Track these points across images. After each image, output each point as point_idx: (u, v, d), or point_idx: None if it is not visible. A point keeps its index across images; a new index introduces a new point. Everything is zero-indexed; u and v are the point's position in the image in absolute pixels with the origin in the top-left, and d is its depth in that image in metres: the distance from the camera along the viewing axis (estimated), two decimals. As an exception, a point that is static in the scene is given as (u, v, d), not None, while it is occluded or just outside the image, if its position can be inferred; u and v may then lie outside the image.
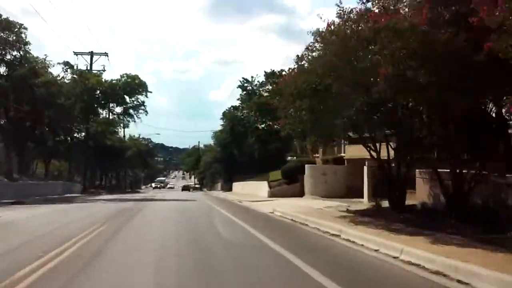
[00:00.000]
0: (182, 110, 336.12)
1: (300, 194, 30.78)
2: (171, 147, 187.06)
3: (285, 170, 35.22)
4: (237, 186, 50.96)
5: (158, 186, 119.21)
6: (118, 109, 57.51)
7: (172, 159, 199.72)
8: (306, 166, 31.72)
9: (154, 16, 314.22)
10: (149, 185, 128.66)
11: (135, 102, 56.42)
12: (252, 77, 60.41)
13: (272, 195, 32.12)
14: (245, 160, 57.07)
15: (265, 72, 57.40)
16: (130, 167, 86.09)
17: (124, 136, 78.39)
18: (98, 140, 56.57)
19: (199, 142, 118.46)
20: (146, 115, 56.83)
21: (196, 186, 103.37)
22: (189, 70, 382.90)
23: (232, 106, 61.91)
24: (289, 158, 57.80)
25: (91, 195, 42.85)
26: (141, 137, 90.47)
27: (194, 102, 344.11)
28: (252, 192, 38.29)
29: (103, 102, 54.68)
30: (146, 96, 56.12)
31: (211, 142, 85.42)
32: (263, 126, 55.30)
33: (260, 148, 54.00)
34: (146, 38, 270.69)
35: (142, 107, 56.60)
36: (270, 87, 52.53)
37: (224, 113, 61.88)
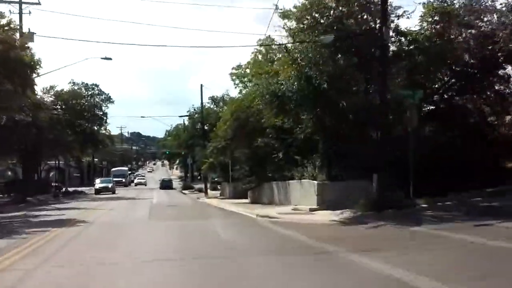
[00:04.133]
0: (159, 98, 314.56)
1: None
2: (148, 136, 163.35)
3: None
4: None
5: (109, 186, 50.32)
6: None
7: (148, 148, 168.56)
8: None
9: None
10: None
11: None
12: None
13: None
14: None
15: None
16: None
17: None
18: None
19: (202, 86, 50.65)
20: None
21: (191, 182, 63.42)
22: (167, 58, 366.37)
23: None
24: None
25: None
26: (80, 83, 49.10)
27: (172, 90, 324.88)
28: None
29: None
30: None
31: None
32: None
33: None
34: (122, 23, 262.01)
35: None
36: None
37: None
